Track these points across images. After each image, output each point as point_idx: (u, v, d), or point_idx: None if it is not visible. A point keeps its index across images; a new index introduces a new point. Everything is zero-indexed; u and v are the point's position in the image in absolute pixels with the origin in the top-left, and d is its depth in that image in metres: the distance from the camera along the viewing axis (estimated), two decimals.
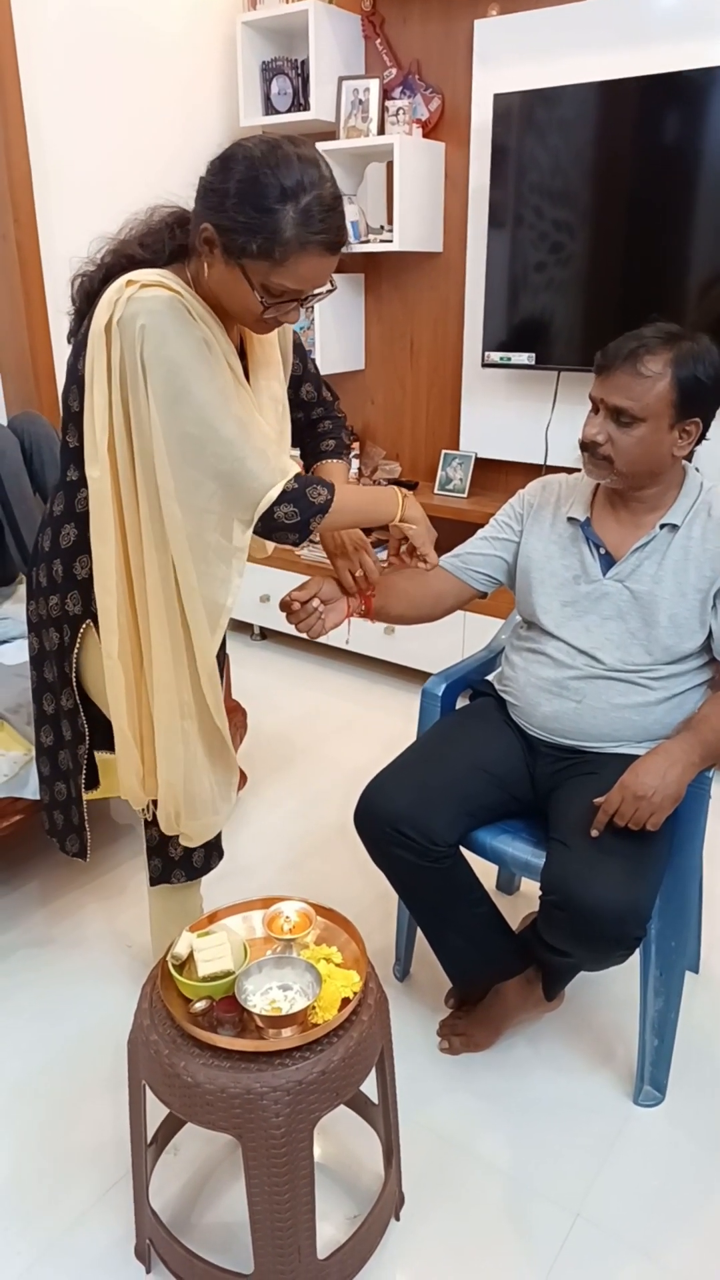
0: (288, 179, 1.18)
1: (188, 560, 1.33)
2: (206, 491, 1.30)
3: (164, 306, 1.24)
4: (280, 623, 3.37)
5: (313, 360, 1.67)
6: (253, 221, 1.19)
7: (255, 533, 1.36)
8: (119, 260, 1.32)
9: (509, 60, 2.82)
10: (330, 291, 1.31)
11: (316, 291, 1.29)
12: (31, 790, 1.93)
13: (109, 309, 1.25)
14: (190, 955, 1.24)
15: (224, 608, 1.38)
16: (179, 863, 1.59)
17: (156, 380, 1.25)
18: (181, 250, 1.32)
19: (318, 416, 1.66)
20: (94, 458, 1.31)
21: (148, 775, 1.50)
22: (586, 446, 1.51)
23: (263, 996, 1.20)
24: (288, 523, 1.35)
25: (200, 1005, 1.19)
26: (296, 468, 1.36)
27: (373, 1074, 1.30)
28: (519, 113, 2.70)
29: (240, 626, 3.76)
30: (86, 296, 1.35)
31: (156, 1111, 1.34)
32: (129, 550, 1.36)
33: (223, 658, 1.71)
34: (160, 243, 1.32)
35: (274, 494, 1.32)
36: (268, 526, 1.35)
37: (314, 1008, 1.18)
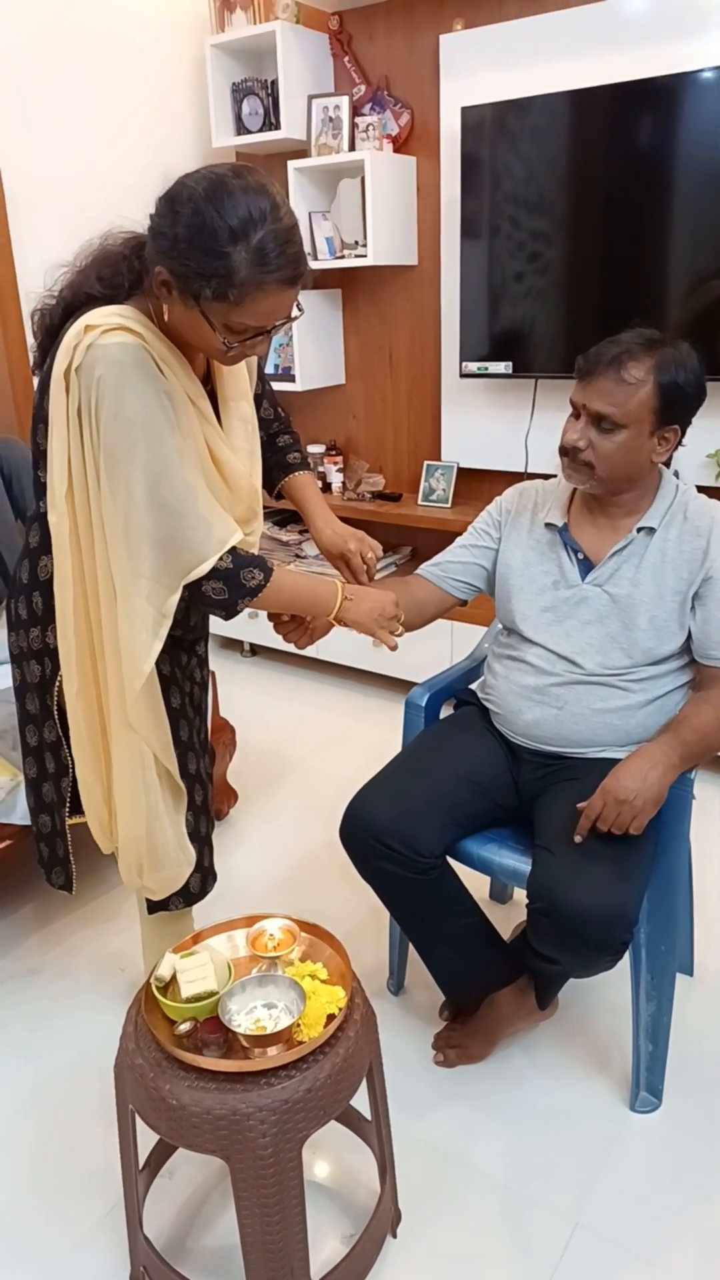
0: (234, 218, 1.14)
1: (117, 622, 1.31)
2: (141, 555, 1.27)
3: (124, 355, 1.22)
4: (270, 638, 3.37)
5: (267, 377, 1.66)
6: (205, 267, 1.15)
7: (181, 599, 1.32)
8: (78, 296, 1.29)
9: (476, 73, 2.84)
10: (297, 318, 1.29)
11: (282, 321, 1.27)
12: (20, 816, 1.92)
13: (68, 356, 1.24)
14: (174, 977, 1.23)
15: (142, 674, 1.33)
16: (175, 891, 1.57)
17: (107, 436, 1.23)
18: (141, 280, 1.29)
19: (276, 431, 1.67)
20: (53, 503, 1.31)
21: (112, 822, 1.48)
22: (567, 452, 1.51)
23: (247, 1016, 1.19)
24: (214, 598, 1.33)
25: (185, 1027, 1.19)
26: (237, 538, 1.32)
27: (364, 1089, 1.29)
28: (489, 125, 2.72)
29: (230, 643, 3.76)
30: (48, 331, 1.33)
31: (150, 1136, 1.33)
32: (88, 596, 1.35)
33: (208, 677, 1.71)
34: (119, 275, 1.29)
35: (205, 568, 1.29)
36: (194, 597, 1.33)
37: (299, 1025, 1.18)
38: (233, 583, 1.33)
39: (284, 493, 1.68)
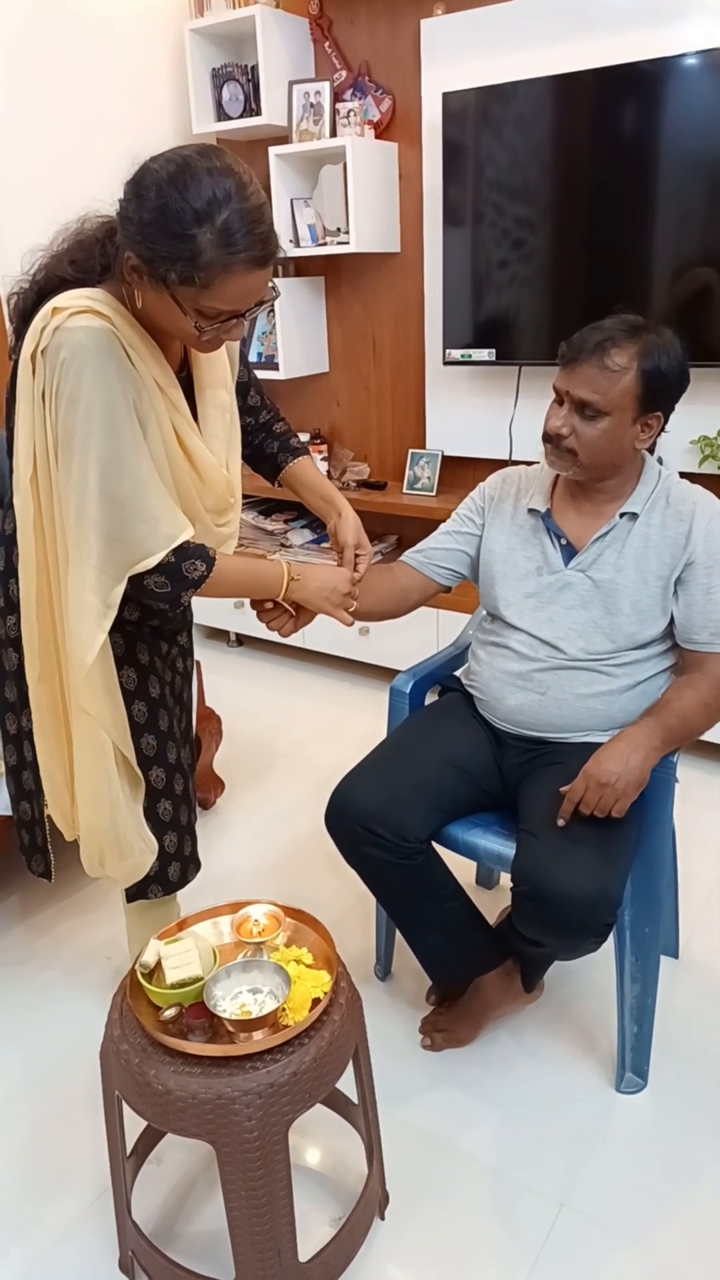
0: (198, 200, 1.13)
1: (65, 610, 1.30)
2: (88, 544, 1.26)
3: (89, 339, 1.21)
4: (256, 628, 3.36)
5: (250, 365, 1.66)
6: (170, 250, 1.14)
7: (125, 593, 1.31)
8: (51, 280, 1.28)
9: (457, 58, 2.83)
10: (273, 299, 1.27)
11: (257, 303, 1.25)
12: (3, 806, 1.92)
13: (35, 338, 1.23)
14: (159, 963, 1.23)
15: (84, 664, 1.32)
16: (154, 878, 1.56)
17: (64, 421, 1.22)
18: (113, 264, 1.28)
19: (267, 420, 1.66)
20: (18, 487, 1.30)
21: (74, 810, 1.47)
22: (550, 438, 1.51)
23: (232, 1001, 1.20)
24: (157, 592, 1.32)
25: (170, 1013, 1.19)
26: (187, 534, 1.31)
27: (351, 1073, 1.29)
28: (470, 110, 2.71)
29: (216, 634, 3.75)
30: (22, 315, 1.32)
31: (137, 1122, 1.33)
32: (51, 582, 1.34)
33: (191, 667, 1.71)
34: (91, 258, 1.28)
35: (150, 563, 1.28)
36: (136, 590, 1.32)
37: (284, 1009, 1.18)
38: (175, 576, 1.32)
39: (289, 477, 1.67)
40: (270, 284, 1.25)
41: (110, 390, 1.23)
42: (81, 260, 1.28)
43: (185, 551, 1.32)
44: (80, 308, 1.22)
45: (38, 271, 1.30)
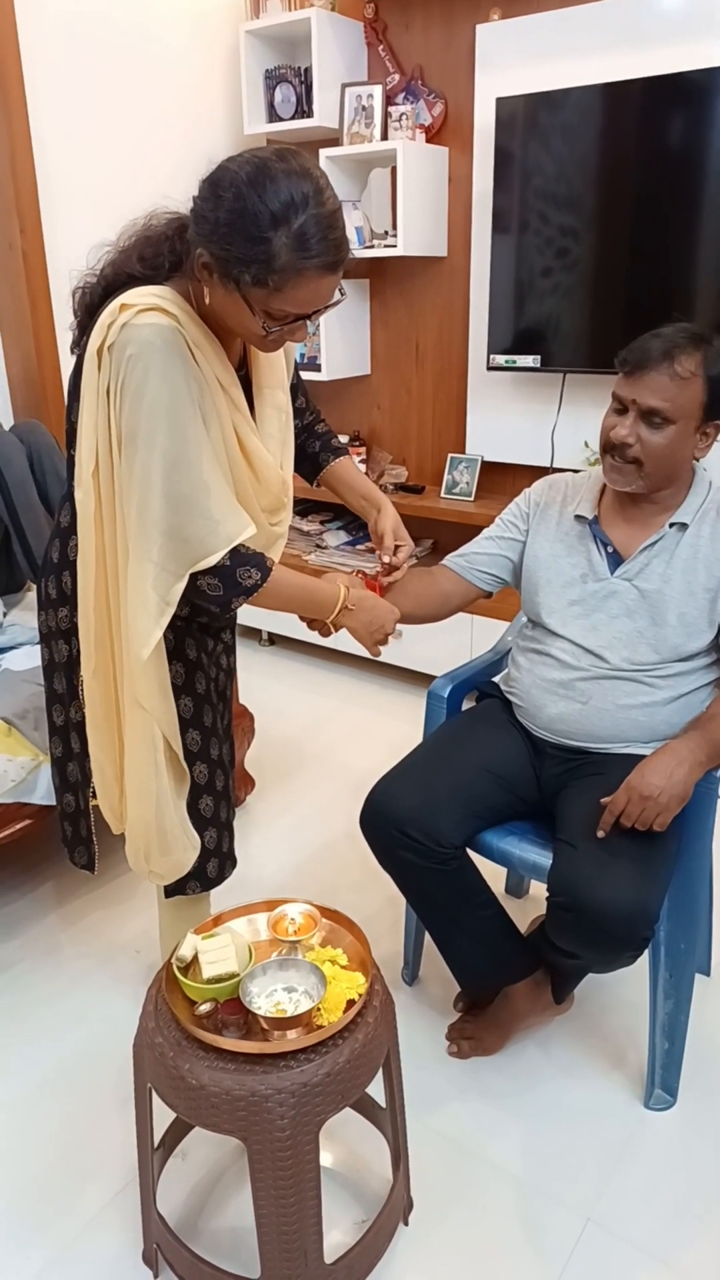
0: (275, 203, 1.13)
1: (124, 603, 1.31)
2: (150, 540, 1.26)
3: (156, 336, 1.21)
4: (288, 628, 3.37)
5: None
6: (245, 252, 1.14)
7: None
8: (119, 275, 1.29)
9: (511, 64, 2.82)
10: (339, 302, 1.27)
11: (322, 307, 1.25)
12: (41, 796, 1.94)
13: (102, 333, 1.23)
14: (195, 958, 1.23)
15: (140, 658, 1.32)
16: (194, 873, 1.56)
17: (130, 418, 1.23)
18: (182, 261, 1.29)
19: (310, 421, 1.67)
20: (80, 480, 1.31)
21: (122, 805, 1.48)
22: (614, 449, 1.49)
23: (267, 999, 1.20)
24: (209, 594, 1.32)
25: (205, 1007, 1.19)
26: (248, 534, 1.31)
27: (380, 1078, 1.29)
28: (522, 116, 2.70)
29: (249, 632, 3.77)
30: (87, 310, 1.33)
31: (165, 1116, 1.34)
32: (108, 575, 1.35)
33: (233, 664, 1.71)
34: (159, 255, 1.29)
35: (211, 560, 1.28)
36: (189, 591, 1.32)
37: (319, 1009, 1.18)
38: (229, 580, 1.32)
39: (329, 476, 1.68)
40: (338, 288, 1.25)
41: (176, 388, 1.23)
42: (150, 256, 1.29)
43: (242, 557, 1.32)
44: (147, 305, 1.22)
45: (105, 267, 1.31)
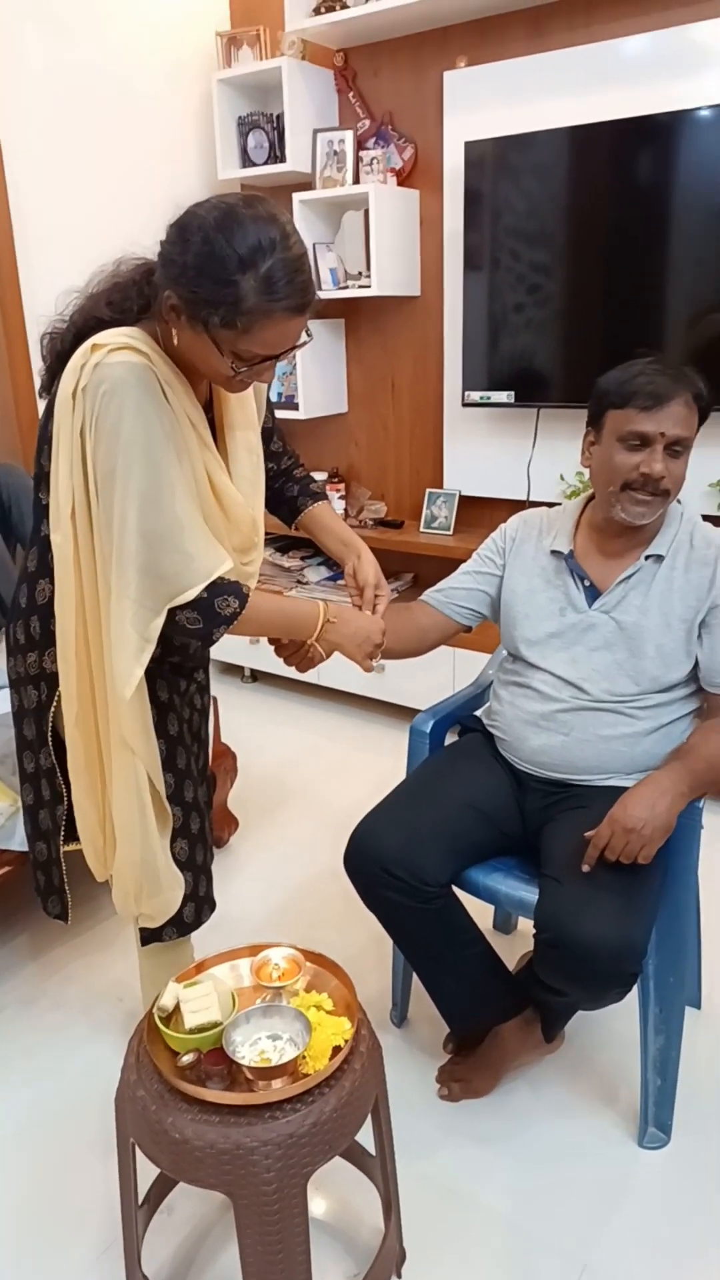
0: (243, 246, 1.14)
1: (106, 643, 1.31)
2: (127, 578, 1.27)
3: (129, 374, 1.22)
4: (271, 664, 3.36)
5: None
6: (213, 294, 1.16)
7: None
8: (88, 320, 1.30)
9: (478, 108, 2.89)
10: (305, 344, 1.29)
11: (291, 347, 1.27)
12: (18, 842, 1.90)
13: (75, 375, 1.24)
14: (177, 1007, 1.21)
15: (123, 698, 1.32)
16: (171, 919, 1.54)
17: (105, 456, 1.23)
18: (149, 305, 1.30)
19: (288, 465, 1.68)
20: (57, 523, 1.31)
21: (108, 850, 1.46)
22: (644, 484, 1.48)
23: (251, 1047, 1.17)
24: (190, 628, 1.32)
25: (188, 1058, 1.16)
26: (224, 568, 1.31)
27: (369, 1124, 1.26)
28: (490, 159, 2.76)
29: (230, 669, 3.75)
30: (57, 356, 1.34)
31: (150, 1170, 1.30)
32: (88, 619, 1.34)
33: (208, 704, 1.70)
34: (128, 299, 1.30)
35: (189, 595, 1.29)
36: (169, 627, 1.32)
37: (304, 1057, 1.16)
38: (207, 612, 1.32)
39: (307, 520, 1.68)
40: (305, 329, 1.26)
41: (150, 425, 1.24)
42: (118, 301, 1.30)
43: (218, 587, 1.32)
44: (119, 344, 1.24)
45: (75, 313, 1.32)
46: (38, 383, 1.33)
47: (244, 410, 1.46)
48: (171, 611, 1.30)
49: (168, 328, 1.26)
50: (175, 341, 1.26)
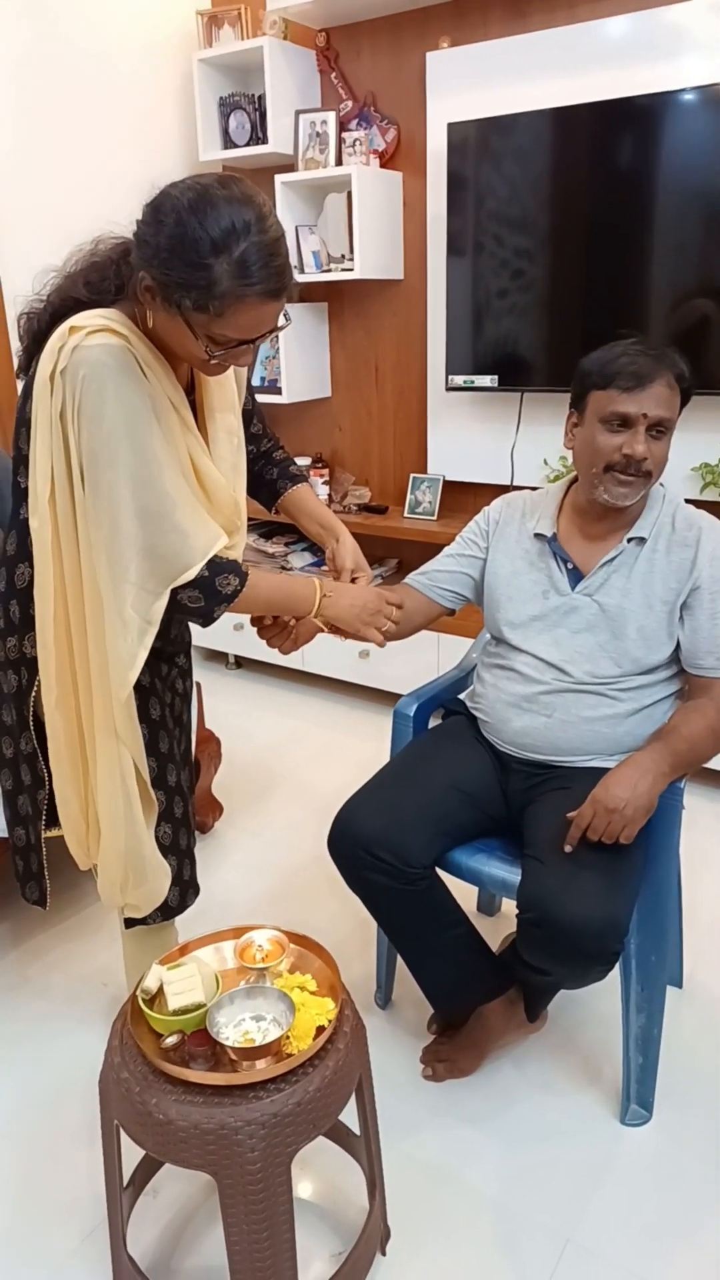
0: (216, 229, 1.12)
1: (103, 626, 1.30)
2: (126, 560, 1.26)
3: (108, 357, 1.21)
4: (255, 650, 3.35)
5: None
6: (186, 277, 1.14)
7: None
8: (65, 301, 1.28)
9: (461, 90, 2.87)
10: (284, 328, 1.28)
11: (268, 331, 1.25)
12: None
13: (53, 358, 1.23)
14: (160, 989, 1.21)
15: (127, 682, 1.32)
16: None
17: (90, 440, 1.22)
18: (126, 285, 1.28)
19: (268, 448, 1.67)
20: (35, 508, 1.30)
21: (90, 838, 1.46)
22: (626, 465, 1.48)
23: (235, 1028, 1.17)
24: (191, 606, 1.33)
25: (171, 1040, 1.16)
26: (221, 543, 1.31)
27: (353, 1104, 1.27)
28: (473, 141, 2.74)
29: (215, 655, 3.74)
30: (34, 337, 1.32)
31: (135, 1153, 1.30)
32: (69, 603, 1.34)
33: (190, 688, 1.70)
34: (105, 279, 1.28)
35: (190, 574, 1.29)
36: (171, 606, 1.32)
37: (288, 1037, 1.16)
38: (208, 590, 1.32)
39: (287, 503, 1.68)
40: (282, 313, 1.25)
41: (132, 406, 1.23)
42: (96, 281, 1.28)
43: (218, 565, 1.32)
44: (97, 326, 1.22)
45: (52, 293, 1.30)
46: (15, 363, 1.32)
47: (224, 392, 1.45)
48: (173, 591, 1.30)
49: (144, 309, 1.25)
50: (150, 324, 1.25)
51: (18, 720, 1.47)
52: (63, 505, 1.28)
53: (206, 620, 1.36)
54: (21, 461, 1.34)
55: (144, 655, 1.31)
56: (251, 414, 1.61)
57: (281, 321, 1.26)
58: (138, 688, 1.43)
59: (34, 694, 1.43)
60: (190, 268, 1.14)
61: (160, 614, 1.30)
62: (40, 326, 1.31)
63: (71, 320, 1.23)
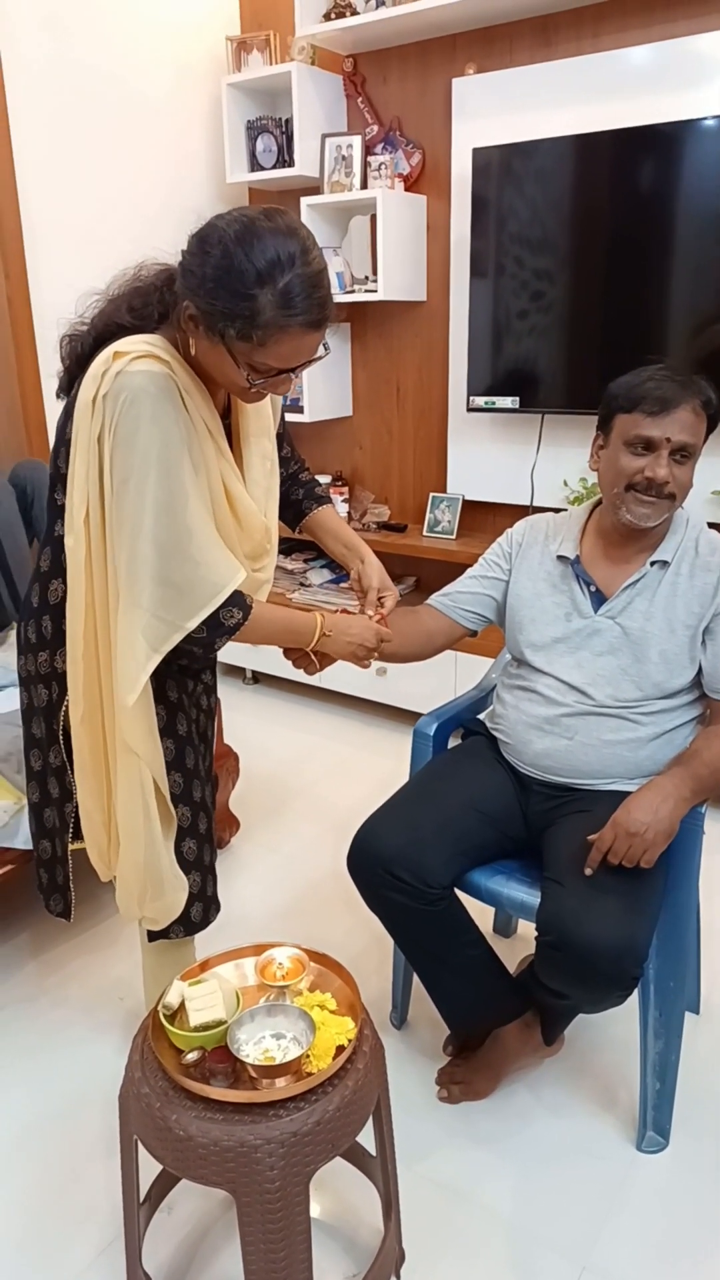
0: (261, 260, 1.15)
1: (114, 648, 1.32)
2: (140, 586, 1.28)
3: (150, 383, 1.23)
4: (273, 666, 3.37)
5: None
6: (231, 307, 1.16)
7: None
8: (109, 325, 1.31)
9: (486, 115, 2.90)
10: (322, 357, 1.29)
11: (305, 361, 1.27)
12: (22, 840, 1.91)
13: (95, 382, 1.25)
14: (182, 1004, 1.21)
15: (125, 705, 1.33)
16: (178, 918, 1.55)
17: (122, 464, 1.24)
18: (169, 312, 1.31)
19: (295, 469, 1.70)
20: (71, 526, 1.32)
21: (111, 850, 1.47)
22: (649, 487, 1.49)
23: (255, 1046, 1.18)
24: (195, 637, 1.34)
25: (192, 1056, 1.17)
26: (238, 580, 1.33)
27: (370, 1125, 1.27)
28: (497, 165, 2.77)
29: (233, 671, 3.76)
30: (77, 359, 1.35)
31: (151, 1168, 1.31)
32: (98, 621, 1.35)
33: (214, 705, 1.71)
34: (148, 305, 1.31)
35: (201, 615, 1.30)
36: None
37: (308, 1056, 1.16)
38: (213, 623, 1.34)
39: (312, 523, 1.71)
40: (322, 343, 1.27)
41: (168, 434, 1.25)
42: (139, 307, 1.31)
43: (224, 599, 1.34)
44: (141, 352, 1.24)
45: (95, 316, 1.33)
46: (44, 383, 1.35)
47: (260, 418, 1.47)
48: None
49: (186, 337, 1.27)
50: (193, 351, 1.27)
51: (48, 734, 1.49)
52: (96, 525, 1.30)
53: (208, 651, 1.38)
54: (59, 479, 1.36)
55: (144, 679, 1.32)
56: (282, 437, 1.63)
57: (321, 351, 1.28)
58: (166, 703, 1.45)
59: (64, 708, 1.45)
60: (235, 298, 1.16)
61: (170, 647, 1.32)
62: (83, 350, 1.33)
63: (116, 345, 1.26)
